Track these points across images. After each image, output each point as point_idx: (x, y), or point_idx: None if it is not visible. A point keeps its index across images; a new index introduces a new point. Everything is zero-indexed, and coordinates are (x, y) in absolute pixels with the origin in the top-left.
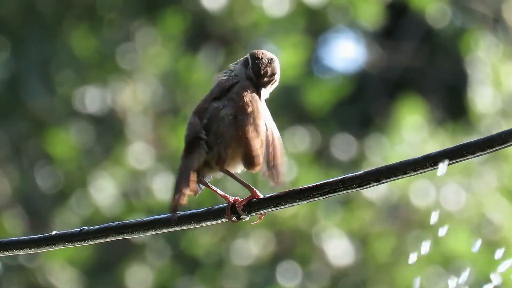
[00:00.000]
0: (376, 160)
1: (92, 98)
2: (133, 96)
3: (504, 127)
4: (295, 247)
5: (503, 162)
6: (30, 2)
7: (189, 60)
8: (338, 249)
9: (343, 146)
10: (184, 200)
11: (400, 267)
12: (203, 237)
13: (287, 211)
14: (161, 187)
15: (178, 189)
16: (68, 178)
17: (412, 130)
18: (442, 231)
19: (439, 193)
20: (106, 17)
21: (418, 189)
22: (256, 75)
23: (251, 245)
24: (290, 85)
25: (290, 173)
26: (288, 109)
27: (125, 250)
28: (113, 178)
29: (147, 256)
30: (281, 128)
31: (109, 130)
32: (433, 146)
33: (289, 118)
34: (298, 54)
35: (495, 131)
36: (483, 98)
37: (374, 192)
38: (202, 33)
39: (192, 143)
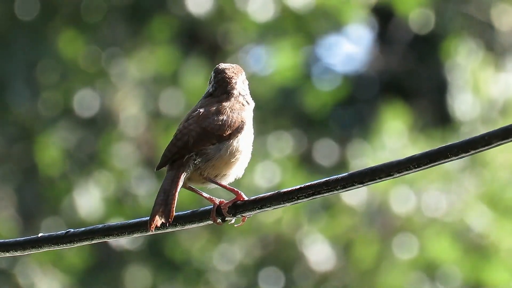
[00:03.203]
0: (358, 165)
1: (79, 102)
2: (121, 100)
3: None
4: (279, 252)
5: (482, 168)
6: (15, 6)
7: (178, 64)
8: (320, 255)
9: (326, 151)
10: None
11: (382, 272)
12: (187, 242)
13: (271, 217)
14: (147, 192)
15: (161, 207)
16: (55, 183)
17: (394, 136)
18: (424, 237)
19: (420, 199)
20: (92, 22)
21: (398, 195)
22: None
23: (235, 250)
24: (285, 88)
25: (275, 178)
26: (281, 112)
27: (109, 255)
28: (100, 183)
29: (131, 261)
30: (270, 131)
31: (96, 134)
32: (413, 152)
33: (280, 121)
34: (290, 57)
35: None
36: (462, 105)
37: (355, 198)
38: (191, 38)
39: (178, 157)
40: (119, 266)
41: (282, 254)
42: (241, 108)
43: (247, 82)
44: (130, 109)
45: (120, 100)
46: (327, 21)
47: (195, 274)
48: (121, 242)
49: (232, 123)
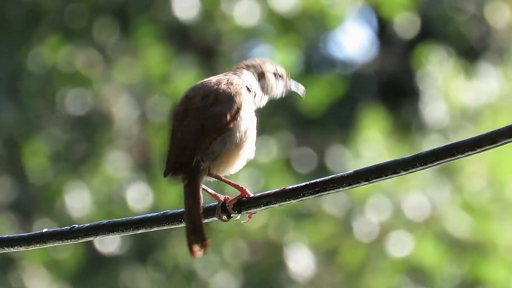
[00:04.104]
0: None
1: (70, 105)
2: (112, 104)
3: (453, 140)
4: (265, 257)
5: (455, 174)
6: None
7: (169, 66)
8: (304, 261)
9: (305, 158)
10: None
11: (366, 278)
12: (175, 247)
13: (257, 223)
14: (139, 195)
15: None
16: (47, 185)
17: (372, 144)
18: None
19: (399, 206)
20: (79, 27)
21: (375, 202)
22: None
23: (223, 255)
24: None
25: (259, 181)
26: (276, 113)
27: (100, 260)
28: (90, 187)
29: (120, 266)
30: (267, 132)
31: (88, 137)
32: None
33: (274, 122)
34: (286, 58)
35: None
36: (433, 113)
37: (336, 206)
38: (182, 40)
39: (189, 165)
40: (109, 271)
41: (267, 260)
42: (237, 92)
43: (267, 79)
44: (121, 112)
45: (111, 103)
46: (314, 25)
47: (184, 279)
48: (110, 247)
49: (229, 113)
